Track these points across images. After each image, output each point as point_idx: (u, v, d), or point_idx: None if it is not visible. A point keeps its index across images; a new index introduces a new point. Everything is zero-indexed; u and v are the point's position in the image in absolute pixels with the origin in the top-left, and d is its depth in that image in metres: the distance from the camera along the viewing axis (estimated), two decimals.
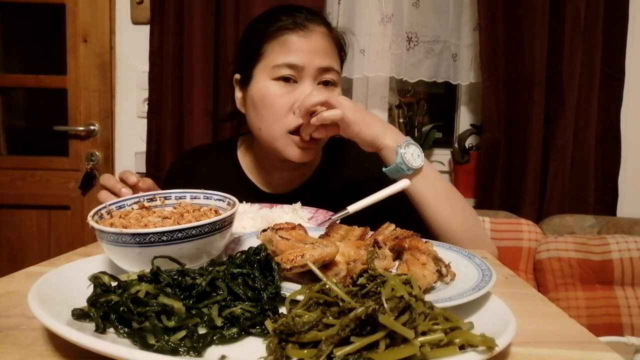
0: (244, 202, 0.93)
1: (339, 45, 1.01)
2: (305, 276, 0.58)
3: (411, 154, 0.87)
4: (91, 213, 0.62)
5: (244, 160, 1.11)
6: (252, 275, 0.52)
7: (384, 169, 0.89)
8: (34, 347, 0.45)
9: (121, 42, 2.06)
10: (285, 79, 0.93)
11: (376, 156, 0.93)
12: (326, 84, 0.95)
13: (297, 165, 1.03)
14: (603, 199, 1.93)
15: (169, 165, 1.20)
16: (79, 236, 2.08)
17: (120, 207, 0.68)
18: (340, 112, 0.83)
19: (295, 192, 1.06)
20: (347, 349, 0.37)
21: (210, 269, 0.52)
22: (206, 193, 0.72)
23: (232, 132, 1.88)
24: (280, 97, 0.93)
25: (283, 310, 0.49)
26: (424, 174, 0.88)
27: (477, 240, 0.90)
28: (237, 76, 1.03)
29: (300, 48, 0.92)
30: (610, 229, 1.79)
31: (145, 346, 0.41)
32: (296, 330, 0.40)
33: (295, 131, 0.93)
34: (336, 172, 1.09)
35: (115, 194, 0.82)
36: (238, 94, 1.03)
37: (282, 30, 0.93)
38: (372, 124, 0.87)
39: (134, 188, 0.83)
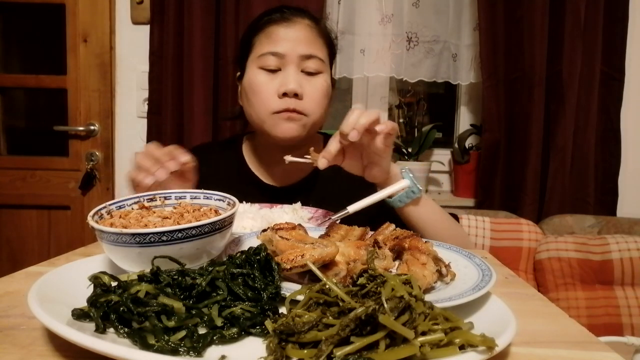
0: (248, 195, 0.95)
1: (326, 37, 1.04)
2: (305, 276, 0.58)
3: (412, 177, 0.88)
4: (91, 213, 0.62)
5: (248, 155, 1.14)
6: (252, 275, 0.52)
7: (390, 199, 0.88)
8: (34, 347, 0.45)
9: (121, 42, 2.05)
10: (271, 70, 0.98)
11: None
12: (310, 73, 0.99)
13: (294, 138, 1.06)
14: (603, 199, 1.93)
15: None
16: (79, 236, 2.08)
17: (120, 207, 0.68)
18: (392, 124, 0.82)
19: (297, 186, 1.10)
20: (347, 349, 0.37)
21: (210, 269, 0.52)
22: (206, 193, 0.72)
23: (232, 132, 1.90)
24: (266, 84, 0.98)
25: (283, 310, 0.49)
26: (423, 197, 0.91)
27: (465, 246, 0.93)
28: (238, 74, 1.09)
29: (283, 37, 0.97)
30: (610, 229, 1.79)
31: (145, 346, 0.41)
32: (296, 330, 0.40)
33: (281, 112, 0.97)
34: (336, 169, 1.10)
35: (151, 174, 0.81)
36: (239, 89, 1.09)
37: (268, 23, 1.00)
38: None
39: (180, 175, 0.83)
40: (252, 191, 1.06)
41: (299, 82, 0.96)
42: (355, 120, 0.78)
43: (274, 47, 0.97)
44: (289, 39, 0.97)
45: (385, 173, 0.88)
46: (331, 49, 1.06)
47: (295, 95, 0.96)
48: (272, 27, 0.98)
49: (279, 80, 0.97)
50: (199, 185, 0.99)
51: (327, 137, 1.18)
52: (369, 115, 0.78)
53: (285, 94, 0.96)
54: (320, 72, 1.00)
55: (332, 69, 1.08)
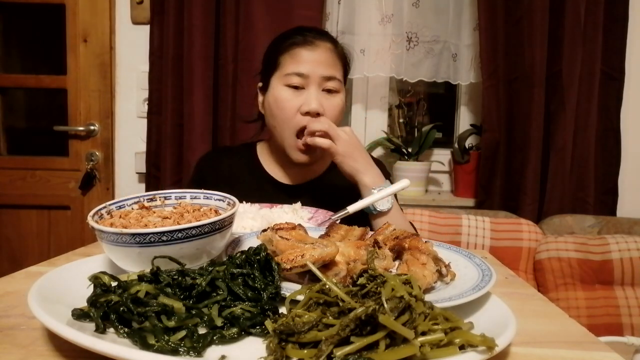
0: (264, 192, 1.08)
1: (343, 59, 1.14)
2: (305, 276, 0.58)
3: (381, 197, 0.97)
4: (91, 213, 0.62)
5: (262, 157, 1.23)
6: (252, 275, 0.52)
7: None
8: (34, 347, 0.45)
9: (121, 42, 2.05)
10: (295, 87, 1.07)
11: (383, 167, 1.18)
12: (329, 91, 1.08)
13: (309, 163, 1.15)
14: (603, 199, 1.93)
15: (198, 161, 1.32)
16: (79, 236, 2.08)
17: (120, 207, 0.68)
18: (329, 143, 1.00)
19: (309, 183, 1.19)
20: (347, 349, 0.37)
21: (210, 269, 0.52)
22: (206, 193, 0.72)
23: (231, 134, 1.90)
24: (290, 101, 1.07)
25: (283, 310, 0.49)
26: (389, 215, 1.01)
27: None
28: (260, 84, 1.18)
29: (307, 59, 1.07)
30: (610, 229, 1.79)
31: (145, 346, 0.41)
32: (296, 330, 0.40)
33: (300, 133, 1.07)
34: (342, 175, 1.16)
35: None
36: (260, 99, 1.18)
37: (293, 45, 1.09)
38: (358, 159, 1.02)
39: None
40: (269, 189, 1.16)
41: (320, 102, 1.06)
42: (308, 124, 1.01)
43: (298, 68, 1.07)
44: (312, 61, 1.07)
45: (346, 176, 1.03)
46: (346, 69, 1.17)
47: (317, 115, 1.05)
48: (296, 49, 1.08)
49: (302, 98, 1.06)
50: (225, 178, 1.18)
51: None
52: (313, 125, 1.01)
53: (307, 112, 1.05)
54: (338, 91, 1.10)
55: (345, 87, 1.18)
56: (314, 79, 1.06)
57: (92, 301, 0.46)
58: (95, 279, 0.49)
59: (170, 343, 0.42)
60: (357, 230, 0.74)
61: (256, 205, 0.95)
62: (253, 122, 1.29)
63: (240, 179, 1.18)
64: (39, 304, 0.44)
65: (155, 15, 1.91)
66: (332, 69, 1.09)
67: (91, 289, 0.49)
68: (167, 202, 0.72)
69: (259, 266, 0.54)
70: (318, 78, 1.06)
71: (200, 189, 0.73)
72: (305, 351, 0.39)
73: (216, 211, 0.67)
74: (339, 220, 0.80)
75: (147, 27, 1.95)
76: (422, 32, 1.98)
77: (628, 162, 1.95)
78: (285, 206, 0.95)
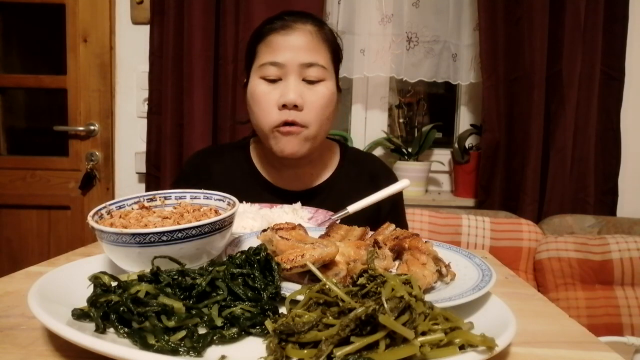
0: (261, 199, 0.96)
1: (330, 43, 1.01)
2: (305, 276, 0.58)
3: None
4: (91, 213, 0.62)
5: (256, 158, 1.12)
6: (252, 275, 0.52)
7: None
8: (34, 347, 0.45)
9: (121, 42, 2.05)
10: (272, 81, 0.96)
11: (392, 175, 1.11)
12: (312, 82, 0.96)
13: (303, 163, 1.05)
14: (603, 199, 1.93)
15: (183, 163, 1.20)
16: (79, 236, 2.08)
17: (120, 207, 0.68)
18: None
19: (309, 192, 1.07)
20: (347, 349, 0.37)
21: (210, 269, 0.52)
22: (206, 193, 0.72)
23: (231, 134, 1.90)
24: (266, 94, 0.96)
25: (283, 310, 0.49)
26: None
27: None
28: (245, 80, 1.07)
29: (283, 46, 0.95)
30: (610, 229, 1.79)
31: (145, 346, 0.41)
32: (296, 330, 0.40)
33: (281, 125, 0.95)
34: (349, 181, 1.10)
35: None
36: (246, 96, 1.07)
37: (269, 32, 0.98)
38: None
39: None
40: (266, 195, 1.05)
41: (299, 93, 0.94)
42: None
43: (273, 56, 0.95)
44: (289, 47, 0.94)
45: None
46: (335, 54, 1.03)
47: (295, 107, 0.93)
48: (272, 36, 0.96)
49: (279, 90, 0.95)
50: (213, 183, 1.01)
51: (340, 143, 1.18)
52: None
53: (284, 106, 0.93)
54: (323, 79, 0.97)
55: (337, 74, 1.05)
56: (292, 67, 0.94)
57: (92, 301, 0.46)
58: (95, 279, 0.49)
59: (170, 343, 0.42)
60: (357, 230, 0.74)
61: (256, 205, 0.95)
62: (245, 124, 1.17)
63: (233, 185, 1.00)
64: (39, 304, 0.44)
65: (155, 15, 1.91)
66: (313, 55, 0.95)
67: (91, 289, 0.49)
68: (167, 202, 0.72)
69: (259, 266, 0.54)
70: (296, 66, 0.94)
71: None
72: (305, 351, 0.39)
73: (216, 211, 0.67)
74: (339, 220, 0.80)
75: (147, 27, 1.95)
76: (422, 32, 1.98)
77: (628, 162, 1.95)
78: (285, 206, 0.95)
